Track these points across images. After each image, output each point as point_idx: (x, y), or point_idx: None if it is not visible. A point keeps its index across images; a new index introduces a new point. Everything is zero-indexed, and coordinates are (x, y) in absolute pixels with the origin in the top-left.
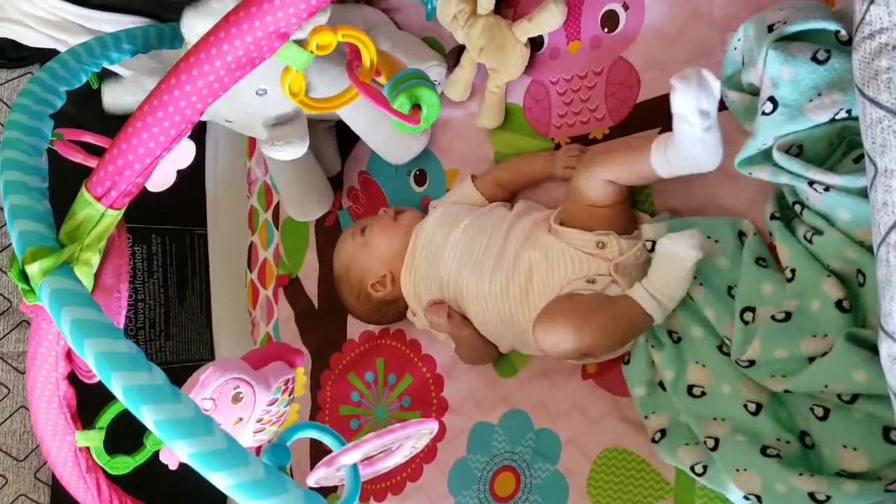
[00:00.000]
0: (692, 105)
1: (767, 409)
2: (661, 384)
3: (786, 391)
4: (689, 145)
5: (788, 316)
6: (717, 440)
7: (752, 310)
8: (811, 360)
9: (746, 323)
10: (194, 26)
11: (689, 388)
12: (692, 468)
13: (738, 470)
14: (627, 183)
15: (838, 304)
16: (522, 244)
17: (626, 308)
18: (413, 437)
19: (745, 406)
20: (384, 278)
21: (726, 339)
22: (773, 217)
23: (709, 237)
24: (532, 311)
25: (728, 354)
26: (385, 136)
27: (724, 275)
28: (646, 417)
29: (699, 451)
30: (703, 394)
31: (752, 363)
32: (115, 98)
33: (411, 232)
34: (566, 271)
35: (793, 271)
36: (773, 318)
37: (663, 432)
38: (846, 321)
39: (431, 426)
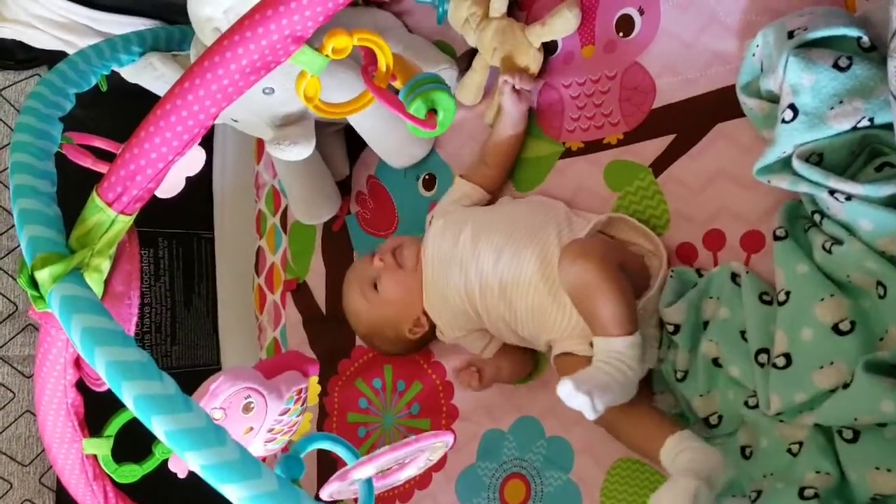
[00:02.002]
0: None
1: (808, 442)
2: None
3: (816, 424)
4: None
5: (789, 360)
6: (759, 492)
7: (767, 351)
8: (833, 390)
9: (762, 365)
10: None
11: (742, 450)
12: None
13: None
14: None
15: (835, 327)
16: (536, 262)
17: None
18: (427, 450)
19: (789, 450)
20: (419, 319)
21: (750, 399)
22: (776, 237)
23: (710, 297)
24: (539, 337)
25: (753, 407)
26: (390, 141)
27: (731, 324)
28: None
29: (746, 503)
30: (752, 454)
31: (779, 413)
32: (130, 77)
33: (420, 267)
34: (569, 322)
35: (787, 294)
36: (774, 365)
37: None
38: (850, 344)
39: (447, 439)
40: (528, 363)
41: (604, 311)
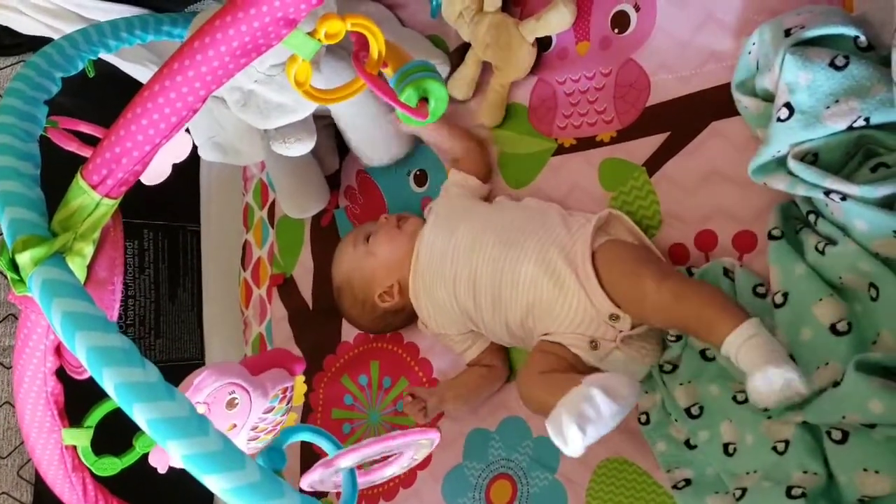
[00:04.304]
0: (776, 397)
1: (795, 441)
2: (687, 443)
3: (804, 422)
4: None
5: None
6: (744, 490)
7: None
8: (823, 390)
9: None
10: None
11: (725, 447)
12: None
13: None
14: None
15: (832, 328)
16: (536, 261)
17: None
18: (413, 446)
19: (774, 448)
20: (392, 288)
21: (738, 395)
22: (770, 237)
23: None
24: (530, 333)
25: (743, 402)
26: (367, 137)
27: None
28: (668, 471)
29: (730, 500)
30: (735, 450)
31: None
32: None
33: (416, 239)
34: (573, 319)
35: (784, 295)
36: None
37: (688, 481)
38: (845, 344)
39: (433, 437)
40: (487, 386)
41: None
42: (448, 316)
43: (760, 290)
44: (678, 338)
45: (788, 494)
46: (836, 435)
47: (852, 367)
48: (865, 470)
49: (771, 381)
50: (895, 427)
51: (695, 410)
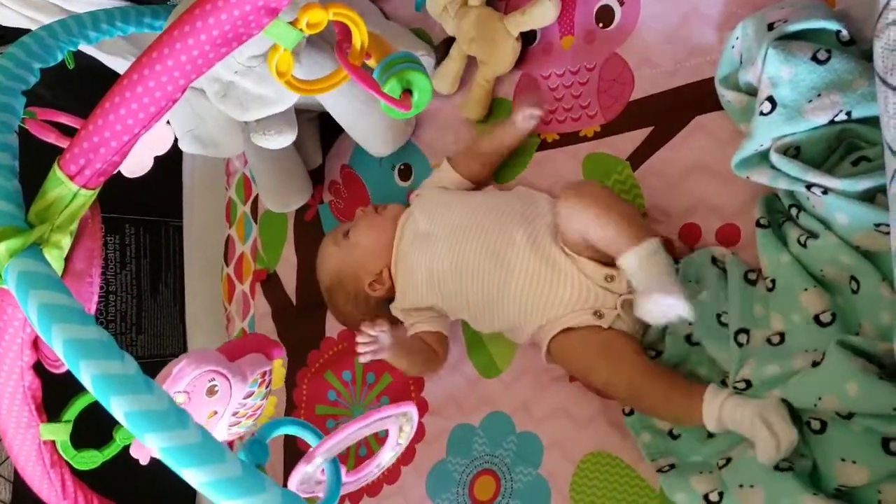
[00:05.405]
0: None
1: None
2: (671, 433)
3: (782, 399)
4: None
5: (783, 338)
6: (728, 459)
7: (747, 331)
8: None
9: (741, 345)
10: None
11: (710, 433)
12: (706, 496)
13: (741, 486)
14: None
15: (816, 318)
16: (525, 248)
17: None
18: (392, 422)
19: None
20: (381, 275)
21: (725, 378)
22: (759, 224)
23: (689, 281)
24: (529, 322)
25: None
26: (368, 125)
27: (710, 307)
28: (653, 460)
29: (714, 480)
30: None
31: (748, 384)
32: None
33: (398, 223)
34: (572, 296)
35: (773, 282)
36: (768, 341)
37: (672, 465)
38: (827, 336)
39: (406, 410)
40: (426, 360)
41: (631, 220)
42: (422, 297)
43: (751, 276)
44: None
45: (776, 467)
46: (815, 425)
47: (834, 344)
48: (843, 460)
49: (661, 306)
50: (872, 417)
51: None
